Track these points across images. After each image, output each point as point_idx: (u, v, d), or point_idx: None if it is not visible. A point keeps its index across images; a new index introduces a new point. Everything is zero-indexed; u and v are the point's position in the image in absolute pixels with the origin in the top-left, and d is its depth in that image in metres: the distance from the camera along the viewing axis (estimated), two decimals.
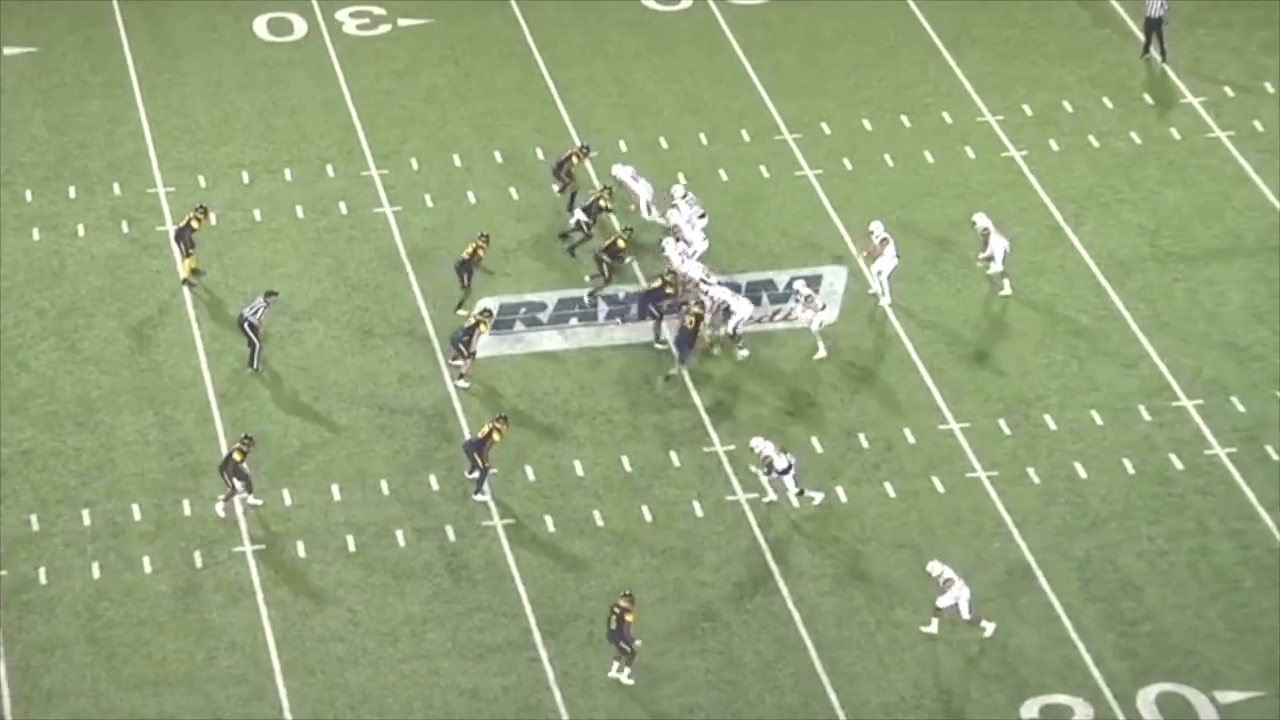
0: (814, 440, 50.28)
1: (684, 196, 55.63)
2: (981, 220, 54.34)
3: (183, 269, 54.54)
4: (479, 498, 48.61)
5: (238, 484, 48.36)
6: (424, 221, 56.77)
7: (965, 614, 45.16)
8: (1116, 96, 61.09)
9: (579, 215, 55.32)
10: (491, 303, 53.95)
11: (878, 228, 54.02)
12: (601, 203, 55.49)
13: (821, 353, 52.54)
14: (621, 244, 54.28)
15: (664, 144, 59.21)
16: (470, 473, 48.61)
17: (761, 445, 48.06)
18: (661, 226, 55.63)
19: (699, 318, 52.11)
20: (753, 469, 48.05)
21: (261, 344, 51.73)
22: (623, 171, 56.48)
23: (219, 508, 48.14)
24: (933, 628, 45.37)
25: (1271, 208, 57.20)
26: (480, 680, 44.89)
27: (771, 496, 48.36)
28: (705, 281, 53.20)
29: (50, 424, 50.87)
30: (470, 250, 52.91)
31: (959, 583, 45.03)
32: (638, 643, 44.48)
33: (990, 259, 54.39)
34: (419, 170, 58.34)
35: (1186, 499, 48.81)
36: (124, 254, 55.64)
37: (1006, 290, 54.23)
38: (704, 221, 55.39)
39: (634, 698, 44.64)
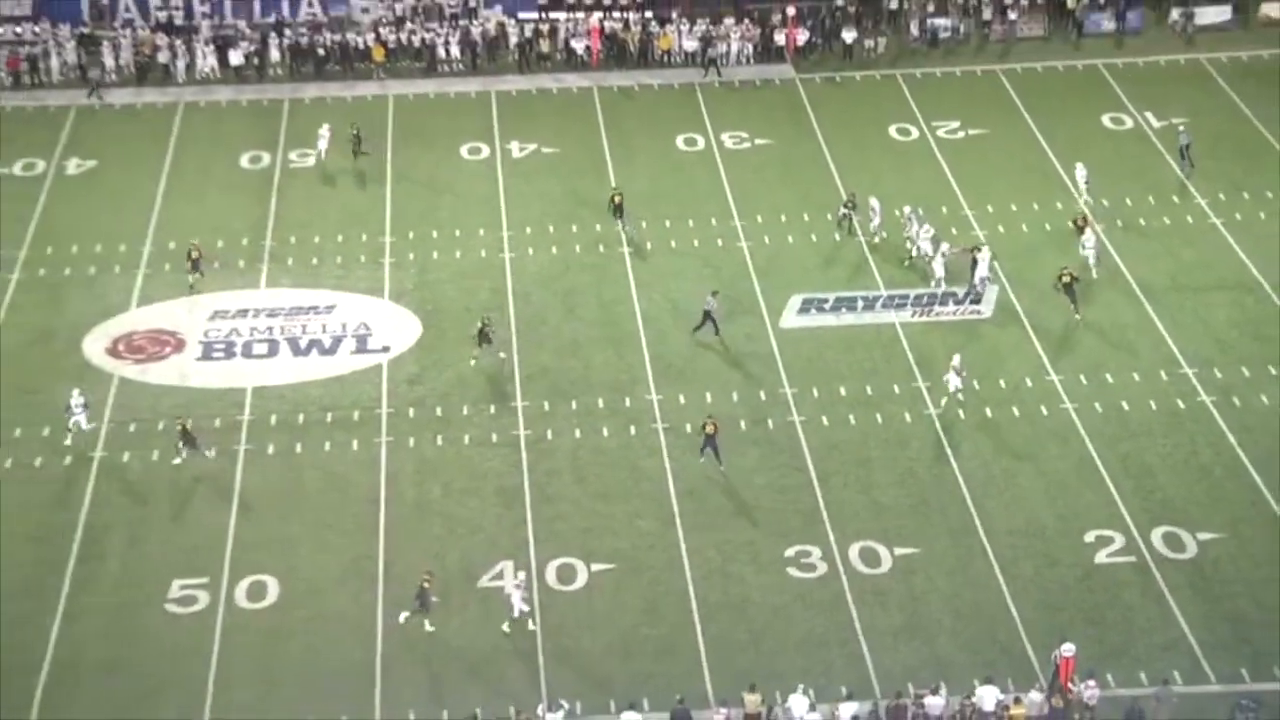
0: (975, 383, 49.76)
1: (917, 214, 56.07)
2: (928, 228, 53.82)
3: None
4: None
5: (183, 446, 45.16)
6: (764, 252, 56.45)
7: None
8: (1157, 195, 59.94)
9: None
10: (796, 299, 53.40)
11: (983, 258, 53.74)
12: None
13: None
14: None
15: (901, 212, 58.20)
16: None
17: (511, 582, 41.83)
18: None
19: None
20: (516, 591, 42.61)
21: (717, 323, 51.22)
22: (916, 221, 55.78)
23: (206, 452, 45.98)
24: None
25: (1245, 265, 56.45)
26: (779, 503, 45.87)
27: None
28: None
29: (555, 353, 51.54)
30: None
31: None
32: (434, 599, 41.49)
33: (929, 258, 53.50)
34: (761, 221, 58.06)
35: (1185, 425, 48.65)
36: (599, 264, 56.00)
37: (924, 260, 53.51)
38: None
39: (863, 507, 45.25)
